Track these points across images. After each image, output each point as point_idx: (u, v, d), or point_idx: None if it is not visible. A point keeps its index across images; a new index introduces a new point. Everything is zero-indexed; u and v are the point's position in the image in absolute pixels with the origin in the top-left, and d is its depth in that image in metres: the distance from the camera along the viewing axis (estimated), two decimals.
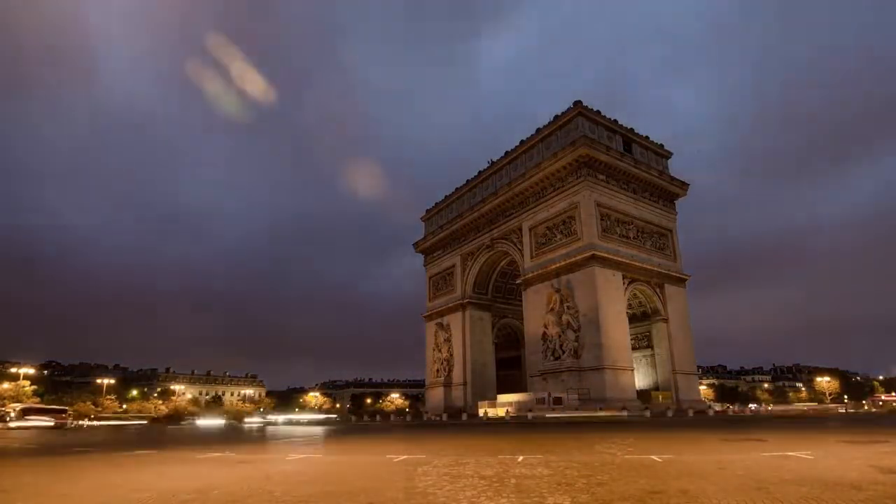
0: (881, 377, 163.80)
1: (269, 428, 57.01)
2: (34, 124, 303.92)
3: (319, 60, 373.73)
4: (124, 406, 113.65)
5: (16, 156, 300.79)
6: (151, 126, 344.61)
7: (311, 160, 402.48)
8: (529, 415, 52.96)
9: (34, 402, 78.27)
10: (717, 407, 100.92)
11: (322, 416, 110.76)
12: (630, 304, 63.97)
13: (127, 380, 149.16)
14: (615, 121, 69.18)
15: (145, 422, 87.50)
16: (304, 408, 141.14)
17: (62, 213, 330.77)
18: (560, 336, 61.61)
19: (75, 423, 66.38)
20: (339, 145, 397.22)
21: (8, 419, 54.83)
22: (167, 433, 44.23)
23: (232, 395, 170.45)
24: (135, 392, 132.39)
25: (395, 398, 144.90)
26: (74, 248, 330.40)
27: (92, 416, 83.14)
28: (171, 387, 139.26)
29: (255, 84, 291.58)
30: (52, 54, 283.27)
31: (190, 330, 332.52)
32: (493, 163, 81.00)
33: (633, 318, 64.11)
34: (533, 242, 69.67)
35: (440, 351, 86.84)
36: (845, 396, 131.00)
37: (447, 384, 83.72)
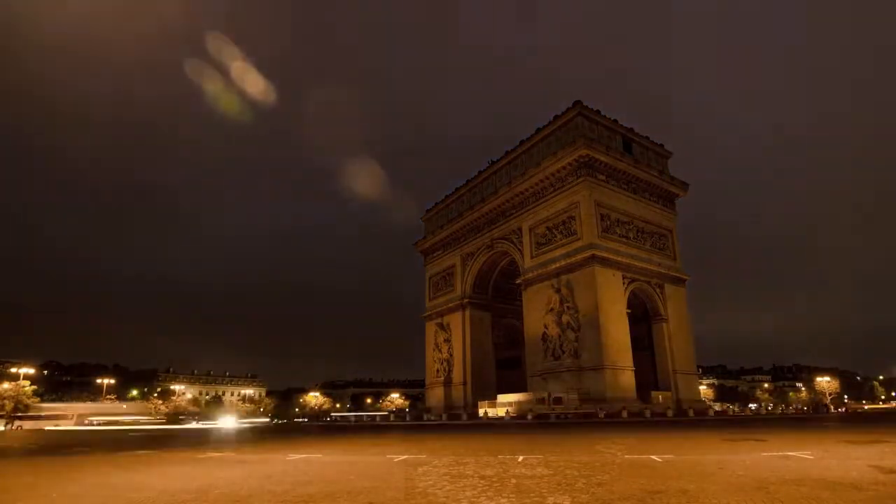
0: (881, 377, 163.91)
1: None
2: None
3: None
4: (124, 406, 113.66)
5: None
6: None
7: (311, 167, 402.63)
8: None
9: (34, 402, 79.00)
10: (717, 407, 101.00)
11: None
12: (630, 304, 63.91)
13: (127, 380, 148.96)
14: (615, 120, 69.14)
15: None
16: (305, 407, 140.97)
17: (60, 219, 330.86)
18: (560, 336, 61.55)
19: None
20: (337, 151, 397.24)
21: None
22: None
23: (232, 395, 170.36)
24: (135, 392, 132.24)
25: (396, 398, 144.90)
26: (75, 248, 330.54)
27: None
28: (171, 387, 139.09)
29: None
30: None
31: (190, 330, 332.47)
32: (493, 163, 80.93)
33: (633, 318, 64.02)
34: (533, 242, 69.64)
35: (440, 351, 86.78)
36: (846, 396, 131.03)
37: (447, 384, 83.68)
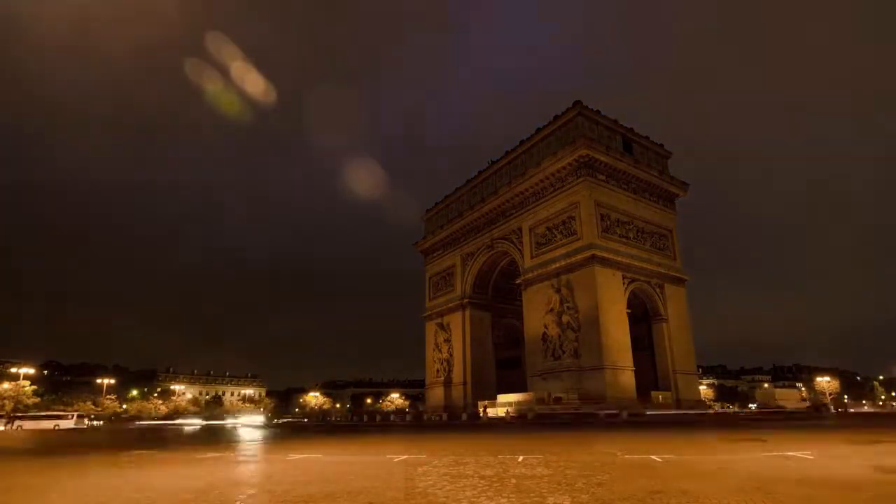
0: (881, 377, 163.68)
1: None
2: None
3: None
4: (124, 406, 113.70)
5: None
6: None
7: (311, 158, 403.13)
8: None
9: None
10: (717, 407, 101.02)
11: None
12: (630, 304, 63.96)
13: (127, 380, 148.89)
14: (615, 120, 69.15)
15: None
16: (305, 407, 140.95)
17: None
18: (560, 336, 61.57)
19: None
20: (341, 147, 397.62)
21: None
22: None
23: (232, 395, 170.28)
24: (135, 392, 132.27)
25: (396, 398, 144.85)
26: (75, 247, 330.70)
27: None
28: (172, 386, 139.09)
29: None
30: None
31: (191, 330, 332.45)
32: (493, 163, 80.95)
33: (633, 318, 64.08)
34: (533, 242, 69.66)
35: (440, 351, 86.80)
36: (845, 396, 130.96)
37: (447, 384, 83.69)
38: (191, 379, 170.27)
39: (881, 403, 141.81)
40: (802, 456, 13.20)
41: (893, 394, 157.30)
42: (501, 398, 65.24)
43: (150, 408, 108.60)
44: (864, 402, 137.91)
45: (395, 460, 14.23)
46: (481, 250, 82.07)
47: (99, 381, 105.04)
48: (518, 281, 71.06)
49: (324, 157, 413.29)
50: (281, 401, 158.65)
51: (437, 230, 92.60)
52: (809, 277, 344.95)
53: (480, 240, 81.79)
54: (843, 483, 8.74)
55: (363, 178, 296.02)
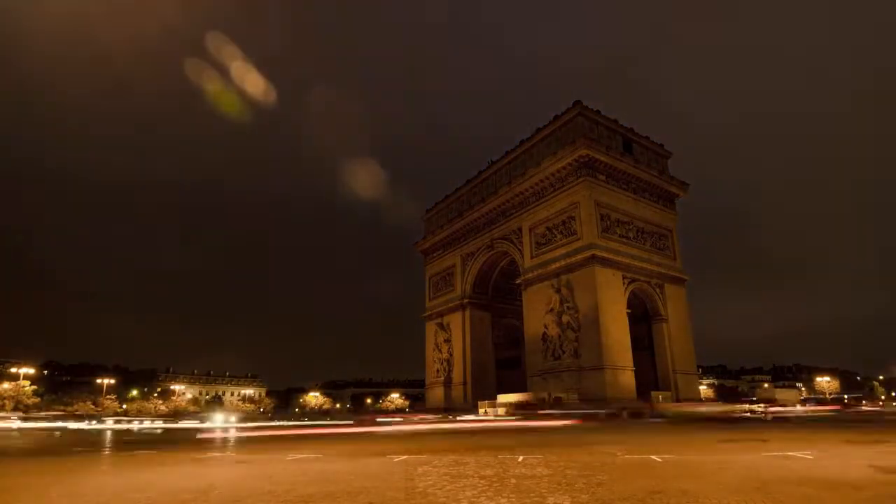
0: (881, 377, 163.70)
1: None
2: None
3: None
4: (124, 406, 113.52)
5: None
6: None
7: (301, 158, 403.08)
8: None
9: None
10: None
11: None
12: (630, 304, 63.90)
13: (127, 380, 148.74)
14: (615, 120, 69.12)
15: None
16: (305, 407, 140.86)
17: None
18: (560, 336, 61.55)
19: None
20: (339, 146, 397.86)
21: None
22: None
23: (232, 395, 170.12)
24: (135, 392, 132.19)
25: (396, 398, 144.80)
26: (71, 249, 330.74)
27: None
28: (172, 387, 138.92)
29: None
30: None
31: (190, 330, 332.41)
32: (493, 162, 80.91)
33: (633, 318, 64.01)
34: (533, 242, 69.62)
35: (440, 351, 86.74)
36: (846, 396, 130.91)
37: (447, 384, 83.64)
38: (191, 379, 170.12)
39: (881, 403, 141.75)
40: (802, 456, 13.21)
41: (893, 394, 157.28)
42: (501, 398, 65.21)
43: (149, 407, 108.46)
44: (864, 401, 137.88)
45: (396, 460, 14.24)
46: (481, 250, 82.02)
47: (99, 381, 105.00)
48: (518, 281, 71.02)
49: (325, 155, 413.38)
50: (281, 401, 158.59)
51: (437, 230, 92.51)
52: (809, 277, 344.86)
53: (480, 240, 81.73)
54: (843, 483, 8.73)
55: (365, 179, 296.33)
